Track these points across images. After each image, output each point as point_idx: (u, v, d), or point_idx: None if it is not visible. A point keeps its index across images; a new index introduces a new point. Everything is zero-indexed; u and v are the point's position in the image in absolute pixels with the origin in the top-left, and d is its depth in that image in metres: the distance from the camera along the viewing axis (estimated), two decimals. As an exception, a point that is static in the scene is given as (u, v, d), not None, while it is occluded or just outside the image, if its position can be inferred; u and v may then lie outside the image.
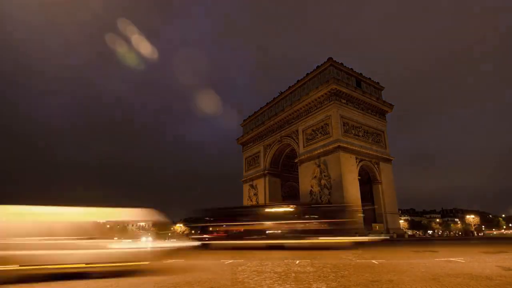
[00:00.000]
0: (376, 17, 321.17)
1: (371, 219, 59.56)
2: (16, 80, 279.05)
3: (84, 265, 9.45)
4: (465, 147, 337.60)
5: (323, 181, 57.43)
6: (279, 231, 26.23)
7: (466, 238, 62.15)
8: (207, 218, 33.28)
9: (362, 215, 54.93)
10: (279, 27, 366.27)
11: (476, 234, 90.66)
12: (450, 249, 21.09)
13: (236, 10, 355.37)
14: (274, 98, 78.56)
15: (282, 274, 9.40)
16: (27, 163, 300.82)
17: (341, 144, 55.88)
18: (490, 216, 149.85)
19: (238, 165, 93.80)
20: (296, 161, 66.96)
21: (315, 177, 59.31)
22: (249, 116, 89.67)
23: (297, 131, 67.69)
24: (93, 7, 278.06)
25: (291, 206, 30.40)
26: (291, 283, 7.74)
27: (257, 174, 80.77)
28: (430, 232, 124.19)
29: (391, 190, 63.09)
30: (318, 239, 23.49)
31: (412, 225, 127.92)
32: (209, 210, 34.10)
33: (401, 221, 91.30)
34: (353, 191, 55.30)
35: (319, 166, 58.72)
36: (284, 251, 22.26)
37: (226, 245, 27.75)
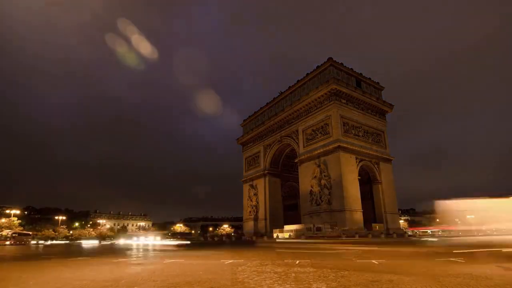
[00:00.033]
0: (376, 17, 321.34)
1: (371, 219, 59.60)
2: (16, 80, 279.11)
3: None
4: (465, 147, 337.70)
5: (323, 181, 57.42)
6: None
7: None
8: None
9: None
10: (279, 27, 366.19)
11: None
12: (450, 249, 21.07)
13: (236, 10, 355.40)
14: (274, 98, 78.57)
15: (282, 274, 9.40)
16: (27, 163, 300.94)
17: (341, 144, 55.89)
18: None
19: (238, 165, 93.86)
20: (296, 161, 67.00)
21: (315, 177, 59.32)
22: (249, 116, 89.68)
23: (297, 131, 67.71)
24: (93, 7, 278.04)
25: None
26: (291, 283, 7.74)
27: (257, 174, 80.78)
28: (430, 232, 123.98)
29: (391, 190, 63.10)
30: None
31: (413, 225, 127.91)
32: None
33: (401, 221, 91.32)
34: (353, 191, 55.31)
35: (319, 166, 58.72)
36: (284, 251, 22.28)
37: None
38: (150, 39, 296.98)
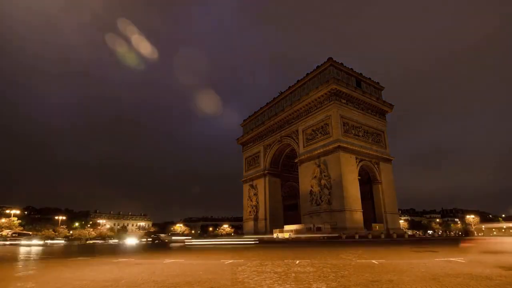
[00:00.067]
0: (376, 17, 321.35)
1: (371, 219, 59.60)
2: (16, 80, 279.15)
3: None
4: (465, 147, 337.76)
5: (323, 181, 57.41)
6: None
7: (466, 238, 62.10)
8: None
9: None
10: (279, 27, 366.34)
11: (476, 234, 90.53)
12: (450, 249, 21.08)
13: (237, 10, 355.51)
14: (274, 98, 78.56)
15: (282, 274, 9.40)
16: (27, 163, 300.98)
17: (341, 144, 55.88)
18: (490, 216, 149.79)
19: (238, 165, 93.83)
20: (296, 161, 67.00)
21: (315, 177, 59.31)
22: (249, 116, 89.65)
23: (297, 131, 67.70)
24: (93, 7, 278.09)
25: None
26: (291, 283, 7.74)
27: (257, 174, 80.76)
28: (430, 232, 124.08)
29: (391, 190, 63.09)
30: None
31: (412, 225, 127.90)
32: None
33: (401, 221, 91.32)
34: (353, 191, 55.30)
35: (319, 166, 58.71)
36: (283, 251, 22.28)
37: None
38: (150, 39, 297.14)
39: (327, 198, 56.15)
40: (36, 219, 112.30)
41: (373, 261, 12.85)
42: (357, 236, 46.34)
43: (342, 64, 63.12)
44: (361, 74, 66.20)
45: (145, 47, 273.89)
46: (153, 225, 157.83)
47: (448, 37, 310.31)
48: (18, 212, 76.98)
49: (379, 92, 69.66)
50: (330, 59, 61.93)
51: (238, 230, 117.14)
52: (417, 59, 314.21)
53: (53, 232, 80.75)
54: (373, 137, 63.96)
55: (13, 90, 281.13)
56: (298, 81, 69.91)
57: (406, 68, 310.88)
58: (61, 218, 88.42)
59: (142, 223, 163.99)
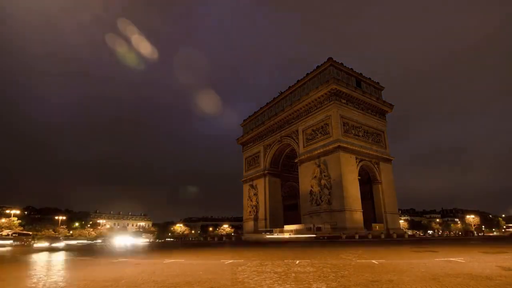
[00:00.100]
0: (376, 17, 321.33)
1: (371, 219, 59.60)
2: (16, 80, 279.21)
3: None
4: (465, 147, 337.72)
5: (323, 181, 57.40)
6: None
7: (466, 238, 62.20)
8: None
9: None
10: (279, 26, 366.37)
11: (476, 234, 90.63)
12: (450, 249, 21.08)
13: (237, 11, 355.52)
14: (274, 98, 78.55)
15: (282, 274, 9.41)
16: (27, 163, 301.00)
17: (341, 144, 55.88)
18: (490, 216, 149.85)
19: (238, 165, 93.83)
20: (296, 161, 66.99)
21: (315, 177, 59.30)
22: (249, 116, 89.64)
23: (297, 131, 67.70)
24: (93, 7, 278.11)
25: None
26: (291, 283, 7.74)
27: (257, 174, 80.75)
28: (430, 232, 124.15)
29: (391, 190, 63.08)
30: None
31: (412, 225, 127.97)
32: None
33: (401, 221, 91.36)
34: (353, 191, 55.29)
35: (319, 166, 58.70)
36: (283, 251, 22.28)
37: None
38: (150, 39, 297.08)
39: (327, 198, 56.15)
40: (36, 219, 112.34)
41: (373, 261, 12.85)
42: (357, 236, 46.32)
43: (342, 64, 63.12)
44: (361, 74, 66.20)
45: (145, 47, 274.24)
46: (153, 225, 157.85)
47: (448, 37, 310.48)
48: (18, 212, 77.01)
49: (379, 92, 69.66)
50: (330, 59, 61.93)
51: (238, 230, 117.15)
52: (417, 59, 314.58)
53: (53, 232, 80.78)
54: (373, 137, 63.96)
55: (13, 90, 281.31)
56: (298, 81, 69.92)
57: (406, 68, 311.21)
58: (61, 218, 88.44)
59: (142, 223, 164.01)
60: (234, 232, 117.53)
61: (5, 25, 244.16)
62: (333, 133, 57.67)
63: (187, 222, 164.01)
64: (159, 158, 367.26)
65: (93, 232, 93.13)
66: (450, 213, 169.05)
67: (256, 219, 78.35)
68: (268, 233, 60.41)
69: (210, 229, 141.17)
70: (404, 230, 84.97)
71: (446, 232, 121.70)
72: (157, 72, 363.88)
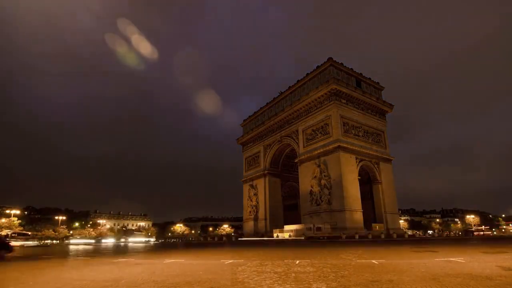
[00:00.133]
0: (376, 17, 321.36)
1: (371, 219, 59.60)
2: (16, 80, 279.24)
3: None
4: (466, 147, 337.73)
5: (323, 181, 57.40)
6: None
7: (466, 238, 62.20)
8: None
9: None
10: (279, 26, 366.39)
11: (477, 234, 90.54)
12: (450, 249, 21.07)
13: (237, 10, 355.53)
14: (274, 98, 78.55)
15: (282, 274, 9.40)
16: (27, 163, 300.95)
17: (341, 144, 55.87)
18: (490, 216, 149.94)
19: (238, 165, 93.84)
20: (296, 161, 66.99)
21: (315, 177, 59.29)
22: (249, 116, 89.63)
23: (297, 131, 67.69)
24: (93, 7, 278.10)
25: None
26: (291, 283, 7.74)
27: (257, 174, 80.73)
28: (430, 232, 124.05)
29: (391, 190, 63.08)
30: None
31: (412, 225, 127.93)
32: None
33: (401, 221, 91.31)
34: (353, 191, 55.29)
35: (319, 166, 58.70)
36: (283, 251, 22.28)
37: None
38: (150, 39, 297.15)
39: (327, 198, 56.14)
40: (36, 219, 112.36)
41: (373, 261, 12.84)
42: (357, 236, 46.33)
43: (342, 64, 63.12)
44: (361, 74, 66.19)
45: (145, 47, 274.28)
46: (153, 225, 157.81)
47: (448, 37, 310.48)
48: (18, 212, 76.97)
49: (379, 92, 69.65)
50: (330, 59, 61.93)
51: (238, 230, 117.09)
52: (417, 59, 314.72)
53: (53, 232, 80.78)
54: (373, 137, 63.96)
55: (13, 90, 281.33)
56: (298, 81, 69.91)
57: (406, 68, 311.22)
58: (61, 218, 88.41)
59: (142, 223, 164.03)
60: (234, 232, 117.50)
61: (6, 25, 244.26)
62: (333, 133, 57.66)
63: (187, 222, 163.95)
64: (159, 158, 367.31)
65: (93, 232, 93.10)
66: (450, 213, 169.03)
67: (256, 219, 78.35)
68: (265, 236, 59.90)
69: (210, 229, 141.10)
70: (404, 230, 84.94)
71: (446, 232, 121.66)
72: (157, 72, 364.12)
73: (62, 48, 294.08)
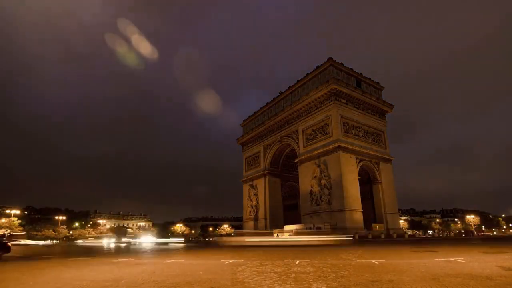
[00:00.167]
0: (376, 17, 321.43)
1: (371, 219, 59.58)
2: (16, 79, 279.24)
3: None
4: (466, 147, 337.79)
5: (323, 181, 57.38)
6: None
7: (466, 238, 62.23)
8: None
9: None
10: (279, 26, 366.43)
11: (476, 234, 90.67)
12: (450, 249, 21.08)
13: (237, 10, 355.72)
14: (274, 98, 78.53)
15: (282, 274, 9.40)
16: (27, 163, 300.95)
17: (341, 144, 55.85)
18: (490, 216, 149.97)
19: (239, 165, 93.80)
20: (296, 161, 66.95)
21: (315, 177, 59.28)
22: (249, 116, 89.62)
23: (297, 131, 67.67)
24: (93, 7, 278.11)
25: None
26: (291, 283, 7.74)
27: (257, 174, 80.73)
28: (430, 232, 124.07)
29: (391, 190, 63.06)
30: None
31: (412, 225, 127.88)
32: None
33: (401, 221, 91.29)
34: (353, 191, 55.27)
35: (319, 166, 58.68)
36: (283, 251, 22.29)
37: None
38: (150, 39, 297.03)
39: (327, 198, 56.13)
40: (36, 219, 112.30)
41: (373, 261, 12.85)
42: (357, 236, 46.32)
43: (342, 64, 63.09)
44: (361, 74, 66.16)
45: (145, 47, 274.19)
46: (153, 225, 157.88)
47: (448, 37, 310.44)
48: (18, 212, 76.99)
49: (379, 92, 69.63)
50: (330, 59, 61.91)
51: (238, 230, 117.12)
52: (417, 59, 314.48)
53: (53, 232, 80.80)
54: (373, 137, 63.94)
55: (13, 90, 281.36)
56: (298, 81, 69.88)
57: (406, 68, 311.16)
58: (61, 218, 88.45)
59: (142, 223, 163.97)
60: (234, 232, 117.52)
61: (6, 25, 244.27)
62: (333, 133, 57.64)
63: (187, 222, 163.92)
64: (159, 158, 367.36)
65: (93, 232, 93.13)
66: (450, 213, 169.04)
67: (256, 219, 78.35)
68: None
69: (210, 229, 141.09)
70: (404, 230, 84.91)
71: (446, 232, 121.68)
72: (157, 72, 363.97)
73: (62, 48, 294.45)
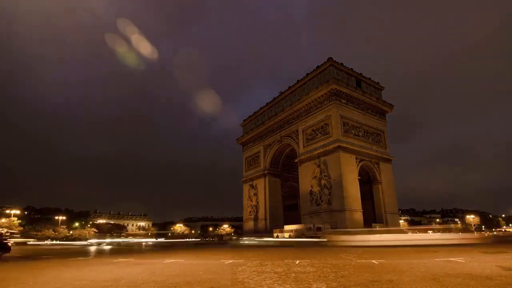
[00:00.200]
0: (377, 17, 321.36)
1: (371, 219, 59.59)
2: (16, 80, 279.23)
3: None
4: (466, 147, 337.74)
5: (323, 181, 57.38)
6: None
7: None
8: None
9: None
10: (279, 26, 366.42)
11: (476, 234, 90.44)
12: (450, 249, 21.08)
13: (237, 10, 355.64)
14: (274, 98, 78.53)
15: (282, 274, 9.40)
16: (27, 163, 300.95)
17: (341, 144, 55.85)
18: (490, 216, 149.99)
19: (238, 165, 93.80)
20: (296, 161, 66.94)
21: (315, 177, 59.27)
22: (249, 116, 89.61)
23: (297, 131, 67.66)
24: (93, 7, 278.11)
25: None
26: (291, 283, 7.74)
27: (257, 174, 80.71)
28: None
29: (391, 190, 63.06)
30: None
31: (412, 225, 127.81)
32: None
33: (401, 221, 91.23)
34: (353, 191, 55.27)
35: (319, 166, 58.68)
36: (283, 251, 22.28)
37: None
38: (150, 39, 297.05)
39: (327, 198, 56.13)
40: (36, 219, 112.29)
41: (373, 261, 12.85)
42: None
43: (342, 64, 63.07)
44: (361, 74, 66.14)
45: (145, 47, 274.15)
46: (153, 225, 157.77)
47: (448, 37, 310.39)
48: (18, 212, 76.89)
49: (379, 92, 69.62)
50: (330, 59, 61.90)
51: (238, 230, 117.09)
52: (417, 59, 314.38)
53: (53, 232, 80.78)
54: (373, 137, 63.93)
55: (13, 90, 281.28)
56: (298, 81, 69.87)
57: (406, 68, 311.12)
58: (61, 218, 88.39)
59: (142, 223, 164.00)
60: (234, 232, 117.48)
61: (6, 25, 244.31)
62: (333, 133, 57.63)
63: (187, 222, 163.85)
64: (159, 158, 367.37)
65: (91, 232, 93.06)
66: (450, 213, 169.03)
67: (256, 219, 78.35)
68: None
69: (210, 229, 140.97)
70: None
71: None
72: (157, 72, 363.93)
73: (62, 48, 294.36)
